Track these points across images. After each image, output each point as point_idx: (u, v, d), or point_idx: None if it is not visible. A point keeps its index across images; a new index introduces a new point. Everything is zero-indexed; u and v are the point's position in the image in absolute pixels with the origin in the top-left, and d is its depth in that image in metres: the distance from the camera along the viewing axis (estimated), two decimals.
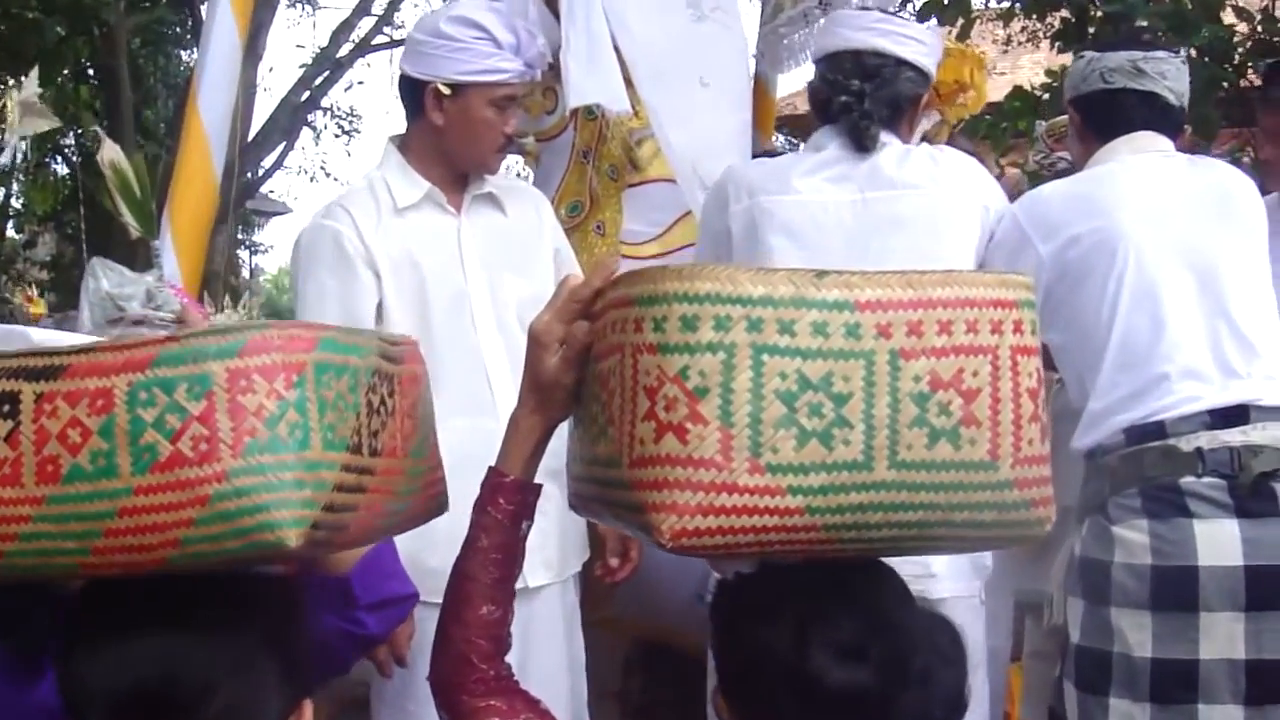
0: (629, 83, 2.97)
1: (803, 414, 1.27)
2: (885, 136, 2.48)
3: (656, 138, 3.08)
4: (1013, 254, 2.44)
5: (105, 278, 2.08)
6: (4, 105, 2.71)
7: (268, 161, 14.84)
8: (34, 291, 2.88)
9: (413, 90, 2.62)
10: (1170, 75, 2.47)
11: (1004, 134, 7.35)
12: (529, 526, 1.53)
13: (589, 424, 1.43)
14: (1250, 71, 6.76)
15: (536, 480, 1.53)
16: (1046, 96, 7.45)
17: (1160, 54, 2.48)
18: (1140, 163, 2.45)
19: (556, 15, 2.95)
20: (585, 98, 2.90)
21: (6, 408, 1.18)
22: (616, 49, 2.95)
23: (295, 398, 1.18)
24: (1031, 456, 1.35)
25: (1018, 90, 7.44)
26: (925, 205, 2.43)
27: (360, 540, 1.46)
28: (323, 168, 25.11)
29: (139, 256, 2.88)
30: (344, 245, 2.51)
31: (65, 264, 13.00)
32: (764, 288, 1.28)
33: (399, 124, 2.73)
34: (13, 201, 14.77)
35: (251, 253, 18.92)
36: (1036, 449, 1.35)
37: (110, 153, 2.12)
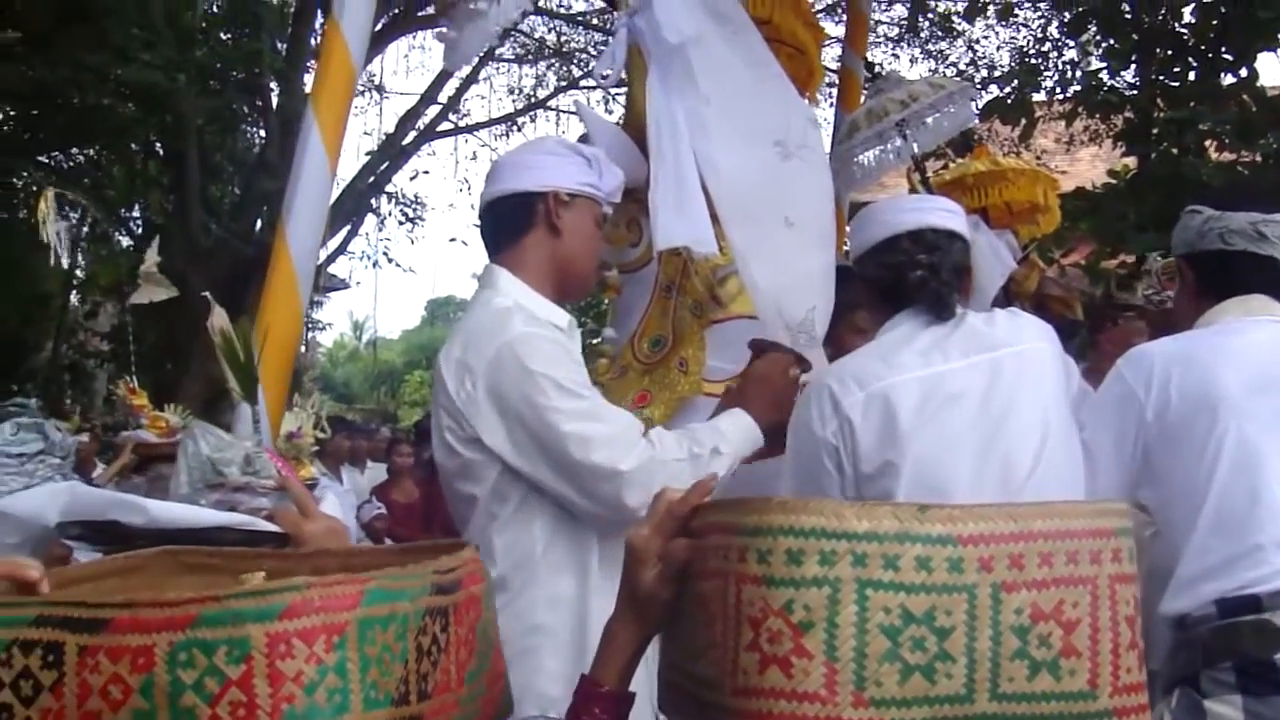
0: (714, 218, 2.93)
1: (906, 648, 1.29)
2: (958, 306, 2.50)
3: (741, 276, 3.02)
4: (1118, 409, 2.44)
5: (205, 441, 2.12)
6: (43, 201, 2.80)
7: (332, 244, 14.91)
8: (135, 383, 2.97)
9: (523, 205, 2.59)
10: None
11: (1066, 233, 7.37)
12: None
13: (687, 639, 1.45)
14: None
15: None
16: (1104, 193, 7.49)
17: None
18: (1250, 326, 2.44)
19: (644, 151, 2.96)
20: (673, 240, 2.86)
21: (51, 658, 1.17)
22: (704, 187, 2.91)
23: (335, 660, 1.17)
24: (1130, 685, 1.36)
25: (1079, 191, 7.47)
26: (1024, 361, 2.44)
27: None
28: (385, 253, 25.06)
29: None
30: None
31: (125, 335, 13.13)
32: (869, 523, 1.30)
33: (462, 216, 2.70)
34: (76, 272, 15.06)
35: (309, 329, 19.05)
36: (1135, 676, 1.37)
37: (219, 320, 2.19)
